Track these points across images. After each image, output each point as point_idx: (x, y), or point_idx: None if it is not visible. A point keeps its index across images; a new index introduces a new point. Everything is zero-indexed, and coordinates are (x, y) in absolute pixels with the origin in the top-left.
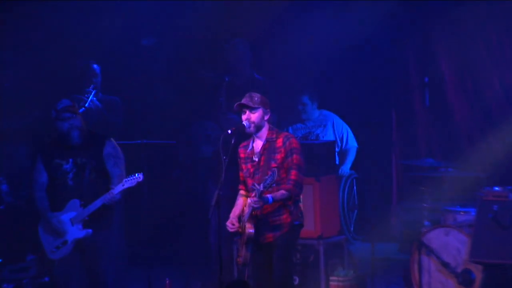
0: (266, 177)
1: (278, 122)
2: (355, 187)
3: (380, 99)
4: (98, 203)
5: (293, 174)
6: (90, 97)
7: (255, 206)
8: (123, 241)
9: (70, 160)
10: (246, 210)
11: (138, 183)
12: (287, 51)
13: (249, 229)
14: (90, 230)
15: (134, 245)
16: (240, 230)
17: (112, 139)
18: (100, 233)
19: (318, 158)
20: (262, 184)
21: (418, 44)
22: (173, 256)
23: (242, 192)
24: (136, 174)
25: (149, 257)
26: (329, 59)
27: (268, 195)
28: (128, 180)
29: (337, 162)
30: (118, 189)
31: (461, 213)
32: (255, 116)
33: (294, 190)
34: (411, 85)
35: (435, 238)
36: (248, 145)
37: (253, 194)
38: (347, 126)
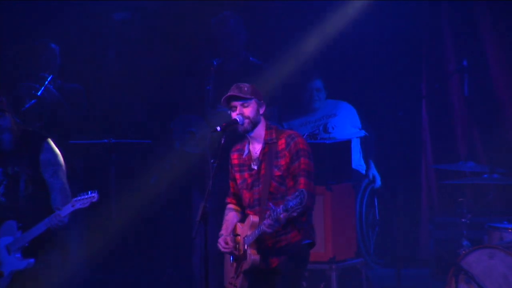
0: (290, 197)
1: (279, 117)
2: (375, 198)
3: (407, 88)
4: (41, 227)
5: (302, 182)
6: (46, 84)
7: (268, 231)
8: (83, 265)
9: (0, 169)
10: (248, 231)
11: (92, 204)
12: (291, 30)
13: (253, 255)
14: (32, 260)
15: (98, 270)
16: (236, 252)
17: (49, 140)
18: (44, 259)
19: (329, 161)
20: (282, 206)
21: (455, 19)
22: (148, 283)
23: (232, 206)
24: (89, 192)
25: (117, 285)
26: (343, 40)
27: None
28: (79, 200)
29: (361, 158)
30: (66, 210)
31: (510, 230)
32: (248, 109)
33: (306, 202)
34: (445, 70)
35: (477, 261)
36: (243, 148)
37: (267, 215)
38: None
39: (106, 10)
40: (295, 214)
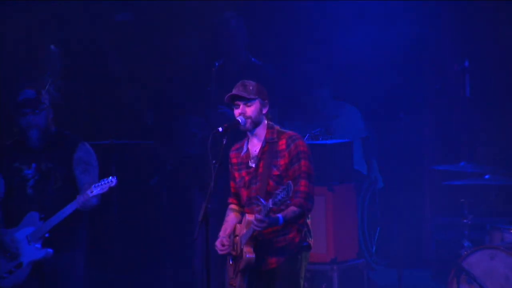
0: (278, 191)
1: (280, 119)
2: (377, 199)
3: (409, 89)
4: (65, 212)
5: (302, 184)
6: (47, 86)
7: (259, 226)
8: (84, 266)
9: (33, 165)
10: (244, 229)
11: (111, 189)
12: (292, 30)
13: (249, 253)
14: (50, 250)
15: (99, 270)
16: (234, 253)
17: (85, 143)
18: (64, 254)
19: (331, 162)
20: (271, 200)
21: (457, 20)
22: (149, 283)
23: (233, 206)
24: (109, 178)
25: (119, 285)
26: (344, 41)
27: (278, 215)
28: (98, 186)
29: (362, 159)
30: (84, 197)
31: (511, 231)
32: (251, 109)
33: (306, 205)
34: (447, 71)
35: (478, 262)
36: (241, 147)
37: (257, 210)
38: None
39: (107, 11)
40: (283, 207)
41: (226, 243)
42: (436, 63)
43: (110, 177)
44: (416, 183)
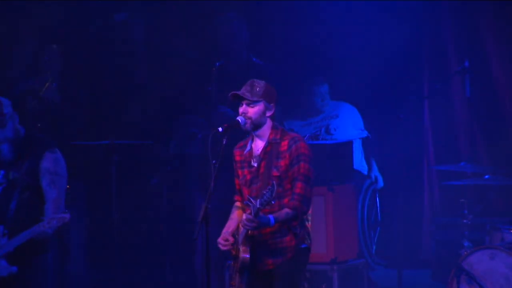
0: (264, 191)
1: (280, 118)
2: (377, 199)
3: (408, 88)
4: (25, 236)
5: (298, 186)
6: (47, 84)
7: (248, 226)
8: (83, 266)
9: (2, 172)
10: (241, 228)
11: (64, 224)
12: (293, 30)
13: (244, 253)
14: (14, 268)
15: (99, 271)
16: (234, 251)
17: (54, 149)
18: (31, 261)
19: (331, 162)
20: (258, 200)
21: (457, 19)
22: (149, 284)
23: (237, 204)
24: (64, 214)
25: (119, 285)
26: (345, 41)
27: (270, 216)
28: (55, 219)
29: (363, 159)
30: (39, 229)
31: (511, 231)
32: (253, 111)
33: (300, 208)
34: (447, 71)
35: (478, 262)
36: (245, 145)
37: (248, 211)
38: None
39: (107, 10)
40: (268, 207)
41: (229, 238)
42: (436, 63)
43: (63, 214)
44: (416, 183)
